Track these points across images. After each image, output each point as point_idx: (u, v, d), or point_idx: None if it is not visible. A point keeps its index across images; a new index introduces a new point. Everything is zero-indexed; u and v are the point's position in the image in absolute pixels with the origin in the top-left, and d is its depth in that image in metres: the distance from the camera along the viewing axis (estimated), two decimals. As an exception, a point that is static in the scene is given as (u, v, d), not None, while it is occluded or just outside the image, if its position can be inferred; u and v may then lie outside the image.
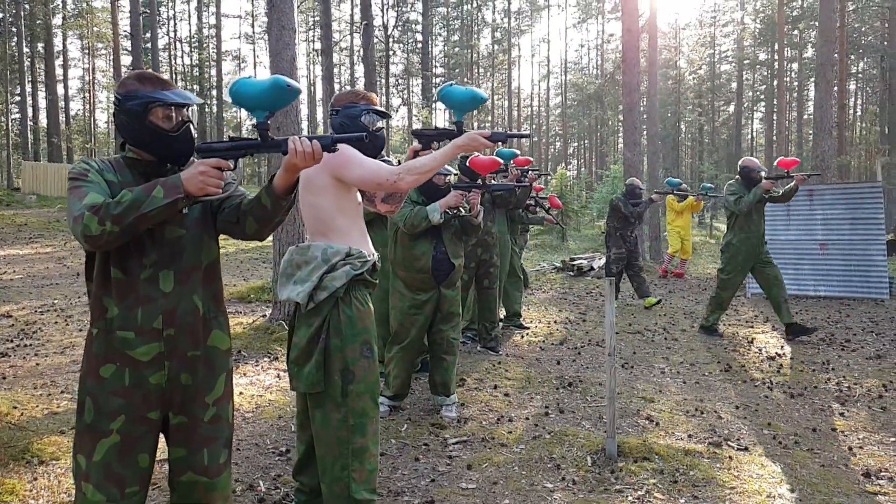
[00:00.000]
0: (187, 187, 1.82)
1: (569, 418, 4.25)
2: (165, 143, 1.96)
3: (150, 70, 2.01)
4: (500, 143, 3.16)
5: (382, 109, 2.75)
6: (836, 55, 14.05)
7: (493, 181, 5.36)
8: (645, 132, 16.92)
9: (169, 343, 1.97)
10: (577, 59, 56.00)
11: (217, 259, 2.12)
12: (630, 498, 3.11)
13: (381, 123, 2.76)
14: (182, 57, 45.63)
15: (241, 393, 4.52)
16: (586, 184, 32.60)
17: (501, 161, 3.70)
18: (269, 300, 7.86)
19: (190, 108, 2.01)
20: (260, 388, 4.70)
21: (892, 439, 3.94)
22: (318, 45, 35.84)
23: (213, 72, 40.73)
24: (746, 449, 3.75)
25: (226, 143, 1.95)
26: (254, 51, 47.47)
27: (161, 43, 37.43)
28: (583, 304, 8.86)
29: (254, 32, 45.96)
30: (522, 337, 6.74)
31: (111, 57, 33.92)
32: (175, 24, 45.20)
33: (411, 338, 4.13)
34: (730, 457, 3.63)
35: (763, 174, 6.45)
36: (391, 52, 33.94)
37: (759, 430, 4.08)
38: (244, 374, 5.00)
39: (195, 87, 39.57)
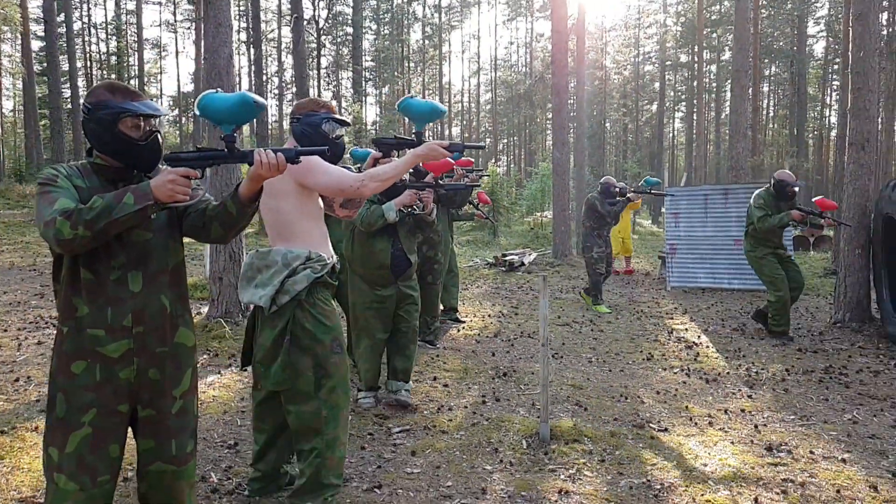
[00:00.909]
0: (157, 194, 1.93)
1: (504, 406, 4.50)
2: (134, 152, 2.06)
3: (119, 81, 2.10)
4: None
5: (342, 118, 2.84)
6: (750, 59, 14.97)
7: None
8: (573, 131, 17.50)
9: (138, 340, 2.07)
10: (506, 57, 56.86)
11: (182, 261, 2.23)
12: (562, 476, 3.37)
13: (340, 131, 2.84)
14: (98, 44, 43.59)
15: (183, 389, 4.55)
16: (516, 181, 33.22)
17: (453, 162, 3.82)
18: (203, 298, 7.81)
19: (158, 119, 2.10)
20: (202, 384, 4.73)
21: (792, 417, 4.38)
22: (243, 37, 35.04)
23: (134, 60, 39.15)
24: (666, 430, 4.09)
25: (194, 153, 2.08)
26: (175, 40, 45.83)
27: (75, 28, 35.65)
28: (515, 298, 9.19)
29: (175, 21, 44.39)
30: (459, 330, 6.98)
31: (19, 42, 32.10)
32: (89, 8, 43.08)
33: (378, 331, 4.27)
34: (651, 437, 3.96)
35: (797, 189, 6.52)
36: (321, 45, 33.56)
37: (677, 413, 4.44)
38: (185, 371, 5.02)
39: (113, 76, 37.91)
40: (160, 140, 2.11)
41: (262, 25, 44.78)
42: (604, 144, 42.87)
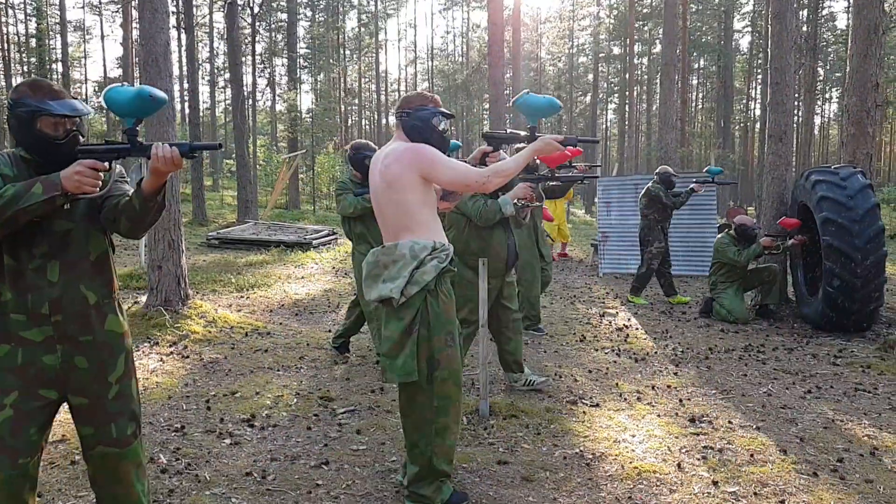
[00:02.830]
0: (65, 185, 1.98)
1: (446, 387, 4.65)
2: (51, 150, 2.09)
3: (45, 79, 2.13)
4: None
5: (449, 112, 2.92)
6: (679, 53, 15.56)
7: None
8: (509, 122, 17.78)
9: (58, 328, 2.11)
10: (443, 46, 56.96)
11: (107, 251, 2.24)
12: (501, 449, 3.55)
13: (446, 124, 2.90)
14: (17, 24, 41.32)
15: (124, 378, 4.52)
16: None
17: (570, 154, 3.67)
18: (140, 287, 7.67)
19: (81, 118, 2.13)
20: (144, 371, 4.71)
21: (714, 392, 4.70)
22: (174, 21, 33.87)
23: (57, 43, 37.30)
24: (598, 405, 4.33)
25: (102, 146, 2.11)
26: (101, 22, 43.85)
27: (-8, 7, 33.71)
28: (455, 285, 9.35)
29: (101, 2, 42.51)
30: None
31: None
32: (6, -14, 40.72)
33: (479, 324, 4.31)
34: (584, 412, 4.19)
35: (756, 232, 7.14)
36: (256, 31, 32.81)
37: (608, 390, 4.70)
38: (124, 360, 4.97)
39: (33, 59, 36.05)
40: (80, 139, 2.13)
41: (194, 10, 43.47)
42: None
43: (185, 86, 18.56)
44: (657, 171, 8.47)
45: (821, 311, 6.40)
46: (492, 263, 4.17)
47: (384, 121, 54.21)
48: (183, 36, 18.11)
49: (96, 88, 48.92)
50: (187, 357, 5.13)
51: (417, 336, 2.72)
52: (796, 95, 32.57)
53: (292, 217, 21.89)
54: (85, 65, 49.64)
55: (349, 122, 52.20)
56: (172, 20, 34.46)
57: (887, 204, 27.65)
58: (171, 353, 5.22)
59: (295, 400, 4.25)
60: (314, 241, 13.07)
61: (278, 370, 4.93)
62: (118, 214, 2.12)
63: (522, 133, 3.28)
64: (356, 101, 50.53)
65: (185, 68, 17.99)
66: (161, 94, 2.09)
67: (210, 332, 5.81)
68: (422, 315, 2.73)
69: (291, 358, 5.25)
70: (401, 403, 2.87)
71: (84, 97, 46.53)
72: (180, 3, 18.52)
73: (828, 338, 6.26)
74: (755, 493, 3.09)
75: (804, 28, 30.01)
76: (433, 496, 2.83)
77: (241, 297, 7.91)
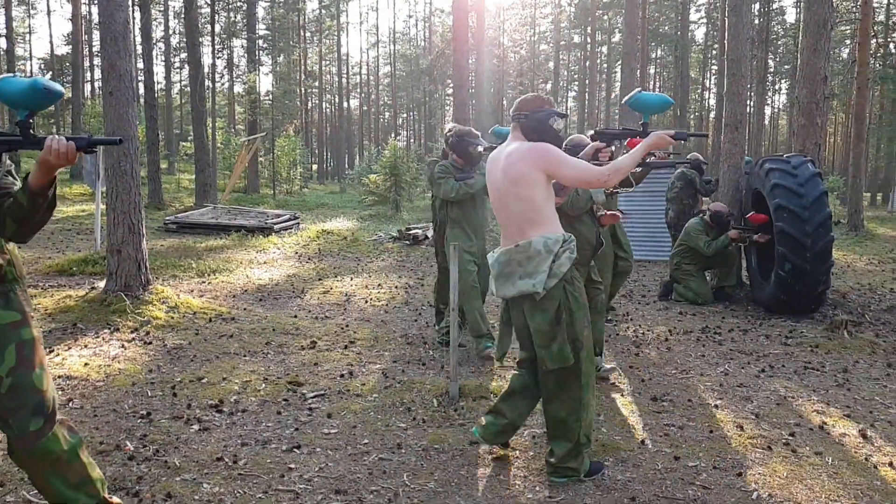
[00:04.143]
0: None
1: (415, 370, 4.71)
2: None
3: None
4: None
5: (564, 112, 3.08)
6: (638, 42, 15.79)
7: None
8: (473, 108, 17.81)
9: None
10: (405, 30, 56.52)
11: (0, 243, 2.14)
12: (471, 429, 3.62)
13: (561, 124, 3.04)
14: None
15: (86, 364, 4.44)
16: (417, 156, 33.36)
17: (672, 143, 3.72)
18: (97, 272, 7.49)
19: None
20: (106, 358, 4.62)
21: (674, 371, 4.85)
22: (128, -3, 32.80)
23: (0, 18, 35.76)
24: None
25: None
26: (48, -7, 42.15)
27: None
28: (420, 271, 9.40)
29: (47, -25, 40.87)
30: (366, 301, 7.11)
31: None
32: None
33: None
34: (550, 392, 4.29)
35: (730, 220, 7.27)
36: (216, 12, 32.04)
37: (573, 370, 4.81)
38: (86, 346, 4.88)
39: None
40: None
41: (147, -14, 42.11)
42: (501, 121, 43.69)
43: (141, 65, 18.00)
44: (688, 157, 8.67)
45: (773, 294, 6.65)
46: (580, 251, 4.28)
47: (345, 104, 53.61)
48: (138, 13, 17.52)
49: (41, 66, 47.11)
50: (150, 343, 5.06)
51: (565, 323, 2.91)
52: (749, 86, 33.38)
53: (252, 201, 21.56)
54: (30, 41, 47.76)
55: (310, 104, 51.45)
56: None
57: (832, 192, 28.69)
58: (133, 339, 5.14)
59: (263, 385, 4.25)
60: (276, 226, 12.93)
61: (244, 355, 4.90)
62: (2, 216, 2.02)
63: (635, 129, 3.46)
64: (317, 83, 49.81)
65: (139, 47, 17.40)
66: (57, 87, 2.03)
67: (173, 317, 5.73)
68: (563, 304, 2.91)
69: (257, 343, 5.22)
70: (548, 388, 3.01)
71: (29, 74, 44.72)
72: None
73: (779, 319, 6.51)
74: (714, 467, 3.23)
75: (756, 21, 30.70)
76: (579, 468, 3.03)
77: (203, 282, 7.81)
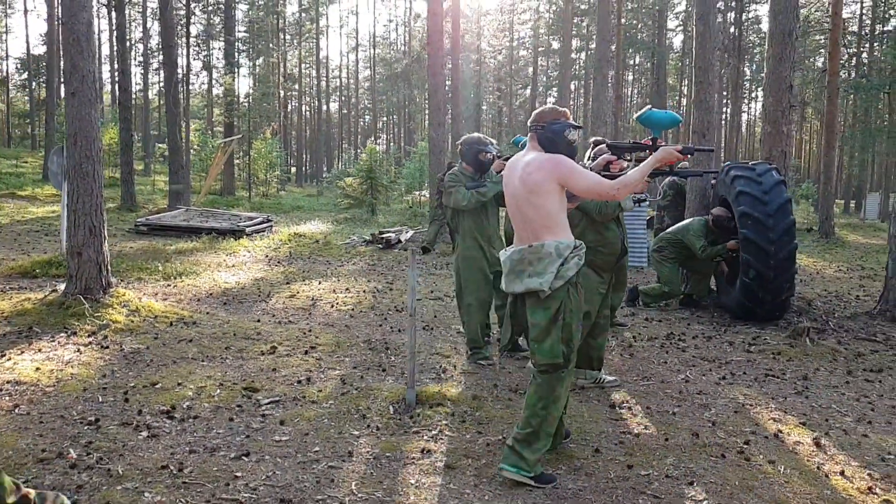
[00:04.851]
0: None
1: (374, 376, 4.66)
2: None
3: None
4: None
5: (578, 124, 3.29)
6: (612, 49, 15.90)
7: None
8: (450, 112, 17.80)
9: None
10: (385, 34, 56.49)
11: None
12: (425, 437, 3.59)
13: (575, 135, 3.25)
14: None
15: (37, 369, 4.34)
16: (395, 159, 33.28)
17: (680, 158, 3.79)
18: (60, 275, 7.34)
19: None
20: (59, 362, 4.52)
21: (636, 378, 4.86)
22: (104, -4, 32.37)
23: (-28, 15, 35.16)
24: (524, 392, 4.41)
25: None
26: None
27: None
28: (390, 275, 9.35)
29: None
30: (332, 306, 7.04)
31: None
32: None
33: (593, 316, 4.42)
34: (509, 399, 4.27)
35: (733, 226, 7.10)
36: (192, 13, 31.74)
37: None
38: (39, 350, 4.76)
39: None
40: None
41: (124, -14, 41.60)
42: (480, 127, 43.80)
43: (116, 67, 17.76)
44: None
45: (738, 301, 6.70)
46: (606, 256, 4.45)
47: (325, 107, 53.35)
48: (114, 15, 17.29)
49: (18, 66, 46.36)
50: (107, 347, 4.95)
51: (562, 323, 3.07)
52: (725, 94, 33.81)
53: (227, 203, 21.36)
54: (6, 40, 46.97)
55: (289, 107, 51.16)
56: (101, -3, 32.97)
57: (806, 199, 29.11)
58: (90, 343, 5.03)
59: (218, 391, 4.17)
60: (247, 229, 12.80)
61: (202, 360, 4.82)
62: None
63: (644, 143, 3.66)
64: (297, 86, 49.56)
65: (115, 49, 17.18)
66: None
67: (133, 321, 5.62)
68: (565, 305, 3.07)
69: (217, 348, 5.14)
70: (534, 381, 3.15)
71: (5, 74, 43.95)
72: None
73: (744, 326, 6.55)
74: (667, 476, 3.22)
75: (732, 30, 31.12)
76: (530, 460, 3.08)
77: (168, 285, 7.69)
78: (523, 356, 5.19)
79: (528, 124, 3.29)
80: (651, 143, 3.50)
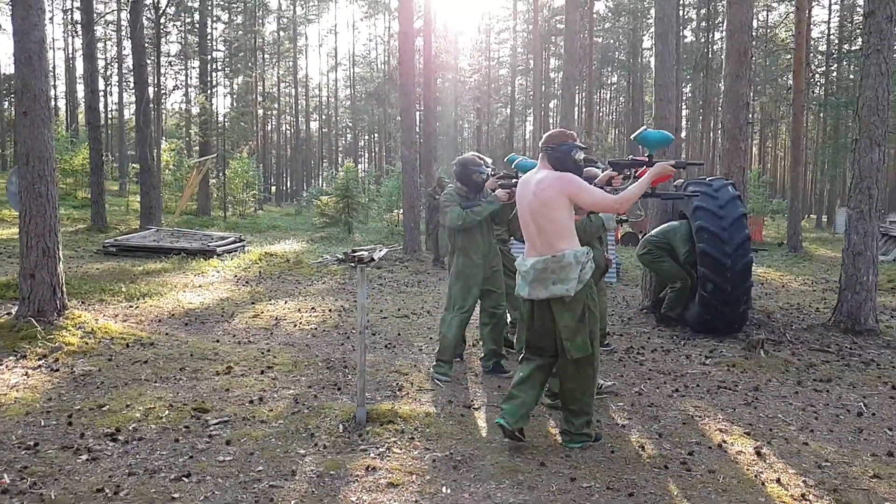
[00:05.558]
0: None
1: (329, 395, 4.65)
2: None
3: None
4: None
5: (584, 145, 3.73)
6: (583, 69, 16.15)
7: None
8: (420, 131, 17.91)
9: None
10: (365, 53, 56.75)
11: None
12: (372, 454, 3.58)
13: (581, 155, 3.69)
14: None
15: (-19, 393, 4.28)
16: (375, 178, 33.33)
17: (673, 172, 3.93)
18: (16, 297, 7.24)
19: None
20: (3, 386, 4.45)
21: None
22: (78, 16, 32.25)
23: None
24: (478, 408, 4.43)
25: None
26: (-5, 15, 41.16)
27: None
28: (358, 293, 9.32)
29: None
30: (295, 325, 7.02)
31: None
32: None
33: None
34: (462, 415, 4.28)
35: None
36: (164, 32, 31.75)
37: (490, 392, 4.82)
38: (-15, 374, 4.70)
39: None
40: None
41: (101, 6, 41.51)
42: (458, 145, 44.05)
43: (81, 87, 17.68)
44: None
45: (698, 314, 6.78)
46: (595, 272, 4.73)
47: (305, 126, 53.35)
48: (83, 34, 17.22)
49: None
50: (57, 370, 4.89)
51: (588, 321, 3.57)
52: (699, 111, 34.36)
53: (202, 223, 21.24)
54: (-22, 61, 46.55)
55: (269, 126, 51.13)
56: (77, 16, 32.66)
57: (777, 214, 29.55)
58: (40, 366, 4.97)
59: (167, 412, 4.13)
60: (218, 249, 12.73)
61: (155, 382, 4.77)
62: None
63: (641, 159, 4.06)
64: (275, 105, 49.59)
65: (85, 68, 17.12)
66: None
67: (87, 343, 5.56)
68: (587, 305, 3.58)
69: (171, 369, 5.10)
70: (567, 373, 3.69)
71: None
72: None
73: (703, 339, 6.63)
74: (608, 488, 3.24)
75: (705, 49, 31.72)
76: (592, 433, 3.76)
77: (130, 306, 7.61)
78: (506, 377, 5.19)
79: (540, 145, 3.73)
80: (648, 159, 3.88)
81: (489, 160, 5.41)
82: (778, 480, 3.34)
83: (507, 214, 5.15)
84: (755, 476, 3.40)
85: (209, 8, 33.28)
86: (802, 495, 3.17)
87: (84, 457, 3.42)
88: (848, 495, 3.20)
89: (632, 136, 4.06)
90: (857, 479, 3.41)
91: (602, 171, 4.67)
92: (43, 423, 3.87)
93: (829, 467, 3.54)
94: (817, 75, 34.87)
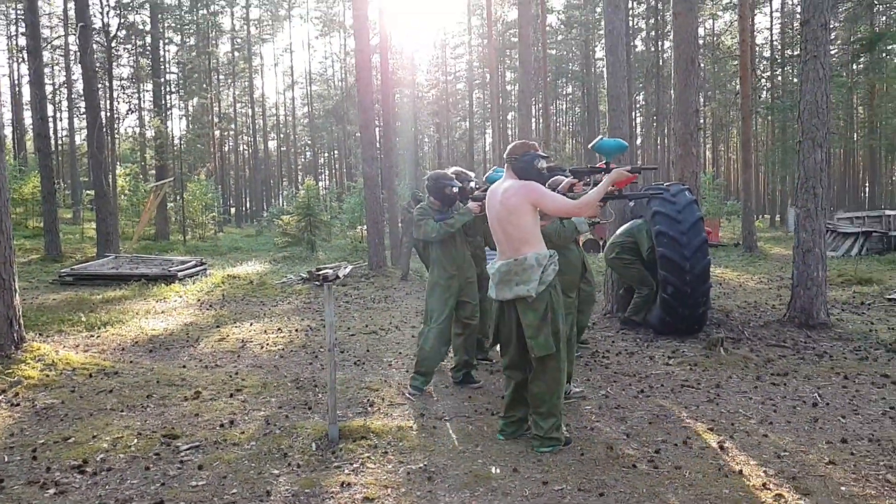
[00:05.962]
0: None
1: (300, 414, 4.64)
2: None
3: None
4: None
5: (546, 154, 3.96)
6: (538, 81, 16.41)
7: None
8: (380, 147, 17.97)
9: None
10: (322, 71, 56.65)
11: None
12: (346, 471, 3.60)
13: (544, 164, 3.87)
14: None
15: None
16: (336, 195, 33.21)
17: (630, 177, 4.04)
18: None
19: None
20: (-36, 424, 4.35)
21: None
22: (23, 42, 31.56)
23: None
24: (450, 419, 4.47)
25: None
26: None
27: None
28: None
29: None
30: (262, 347, 6.98)
31: None
32: None
33: (567, 335, 4.47)
34: (434, 427, 4.32)
35: None
36: (116, 56, 31.24)
37: (460, 403, 4.87)
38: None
39: None
40: None
41: (48, 31, 40.67)
42: (419, 160, 44.19)
43: (29, 114, 17.30)
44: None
45: (659, 317, 6.95)
46: (570, 277, 4.98)
47: (263, 145, 52.90)
48: (29, 60, 16.86)
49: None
50: (17, 405, 4.78)
51: (550, 320, 3.72)
52: (652, 119, 35.20)
53: (161, 248, 20.89)
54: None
55: (226, 147, 50.56)
56: (22, 41, 31.94)
57: (733, 215, 30.32)
58: None
59: (136, 440, 4.08)
60: (179, 273, 12.56)
61: (122, 411, 4.70)
62: None
63: (598, 167, 4.31)
64: (232, 126, 49.11)
65: (32, 94, 16.76)
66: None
67: (48, 375, 5.45)
68: (549, 305, 3.74)
69: (138, 397, 5.03)
70: (535, 374, 3.84)
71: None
72: (25, 25, 17.36)
73: (666, 341, 6.80)
74: (579, 489, 3.32)
75: (656, 58, 32.54)
76: (561, 437, 3.86)
77: (91, 336, 7.47)
78: (476, 387, 5.27)
79: (504, 156, 3.92)
80: (605, 166, 4.15)
81: (472, 174, 5.62)
82: (741, 472, 3.47)
83: (481, 225, 5.26)
84: (719, 469, 3.53)
85: (161, 30, 32.91)
86: (763, 485, 3.30)
87: (51, 490, 3.37)
88: (806, 482, 3.34)
89: (589, 146, 4.29)
90: (813, 466, 3.56)
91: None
92: (7, 459, 3.78)
93: (787, 456, 3.69)
94: (763, 80, 36.10)
